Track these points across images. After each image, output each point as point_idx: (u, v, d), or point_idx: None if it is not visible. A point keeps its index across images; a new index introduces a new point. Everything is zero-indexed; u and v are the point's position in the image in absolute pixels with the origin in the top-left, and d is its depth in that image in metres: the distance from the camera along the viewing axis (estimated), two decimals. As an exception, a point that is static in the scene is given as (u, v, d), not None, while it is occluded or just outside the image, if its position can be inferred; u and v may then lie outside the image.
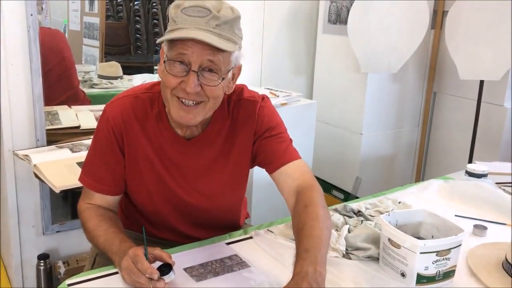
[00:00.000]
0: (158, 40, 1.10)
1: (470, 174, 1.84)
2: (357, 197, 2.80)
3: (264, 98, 1.30)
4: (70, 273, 2.18)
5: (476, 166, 1.84)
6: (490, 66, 2.31)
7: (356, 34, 2.48)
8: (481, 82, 2.46)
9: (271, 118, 1.28)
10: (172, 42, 1.09)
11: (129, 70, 3.21)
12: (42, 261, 2.21)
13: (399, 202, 1.58)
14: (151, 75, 3.29)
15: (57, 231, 2.30)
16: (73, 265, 2.24)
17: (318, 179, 2.98)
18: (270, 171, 1.28)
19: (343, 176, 2.91)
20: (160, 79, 1.16)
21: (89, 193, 1.27)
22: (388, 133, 2.95)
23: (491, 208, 1.60)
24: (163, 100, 1.18)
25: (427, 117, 3.04)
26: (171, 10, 1.10)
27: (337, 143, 2.92)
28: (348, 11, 2.70)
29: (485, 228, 1.45)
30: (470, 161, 2.56)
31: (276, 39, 2.93)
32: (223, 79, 1.11)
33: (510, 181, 1.88)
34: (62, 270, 2.20)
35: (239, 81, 1.25)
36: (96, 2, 3.17)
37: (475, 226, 1.45)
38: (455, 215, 1.55)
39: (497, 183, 1.80)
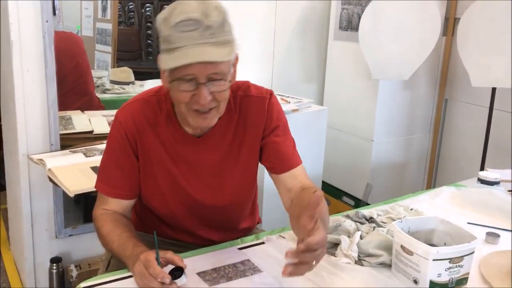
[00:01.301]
0: (163, 67, 1.10)
1: (483, 181, 1.83)
2: (368, 204, 2.80)
3: (271, 93, 1.33)
4: (82, 277, 2.20)
5: (488, 174, 1.83)
6: (503, 73, 2.30)
7: (367, 41, 2.49)
8: (493, 89, 2.46)
9: (279, 115, 1.32)
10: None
11: (140, 75, 3.25)
12: (54, 265, 2.23)
13: (411, 209, 1.58)
14: (162, 80, 3.33)
15: (70, 235, 2.33)
16: (85, 268, 2.26)
17: (329, 185, 3.01)
18: (278, 172, 1.31)
19: (354, 182, 2.90)
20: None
21: (104, 199, 1.29)
22: (399, 140, 2.95)
23: (504, 216, 1.59)
24: (176, 110, 1.22)
25: (439, 124, 3.03)
26: (162, 27, 1.09)
27: (348, 150, 2.92)
28: (360, 17, 2.71)
29: (498, 235, 1.44)
30: (482, 168, 2.55)
31: (287, 46, 2.95)
32: (230, 82, 1.15)
33: (522, 188, 1.87)
34: (74, 273, 2.22)
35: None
36: (108, 9, 3.21)
37: (488, 233, 1.45)
38: (468, 223, 1.54)
39: (509, 191, 1.79)
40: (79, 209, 2.64)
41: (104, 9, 3.24)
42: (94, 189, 1.40)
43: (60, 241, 2.31)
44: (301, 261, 0.96)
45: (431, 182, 3.11)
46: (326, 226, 1.06)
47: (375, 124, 2.76)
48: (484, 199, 1.68)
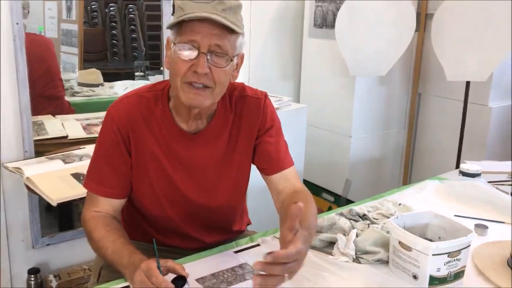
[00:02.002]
0: (168, 25, 1.13)
1: (464, 174, 1.88)
2: (347, 199, 2.82)
3: (266, 95, 1.33)
4: (62, 287, 2.13)
5: (470, 166, 1.88)
6: (476, 68, 2.36)
7: (344, 38, 2.50)
8: (467, 83, 2.51)
9: (274, 116, 1.33)
10: (180, 28, 1.11)
11: (107, 76, 3.17)
12: (32, 276, 2.15)
13: (399, 204, 1.59)
14: (132, 81, 3.26)
15: (47, 244, 2.25)
16: (65, 278, 2.19)
17: (308, 182, 3.02)
18: (270, 172, 1.30)
19: (333, 178, 2.92)
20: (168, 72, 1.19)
21: (94, 199, 1.25)
22: (376, 135, 2.98)
23: (489, 207, 1.62)
24: (171, 90, 1.22)
25: (413, 119, 3.08)
26: (177, 0, 1.12)
27: (326, 146, 2.94)
28: (334, 15, 2.72)
29: (486, 227, 1.47)
30: (458, 161, 2.61)
31: (263, 45, 2.94)
32: (231, 61, 1.14)
33: (502, 179, 1.92)
34: (54, 284, 2.15)
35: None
36: (73, 9, 3.12)
37: (476, 225, 1.47)
38: (455, 215, 1.56)
39: (489, 182, 1.84)
40: (51, 216, 2.55)
41: (69, 10, 3.14)
42: (77, 197, 1.35)
43: (37, 251, 2.23)
44: (270, 273, 0.92)
45: (407, 175, 3.17)
46: (311, 235, 1.06)
47: (352, 120, 2.79)
48: (468, 191, 1.72)
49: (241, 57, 1.23)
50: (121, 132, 1.22)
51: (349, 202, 2.76)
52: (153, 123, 1.23)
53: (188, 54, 1.11)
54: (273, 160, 1.30)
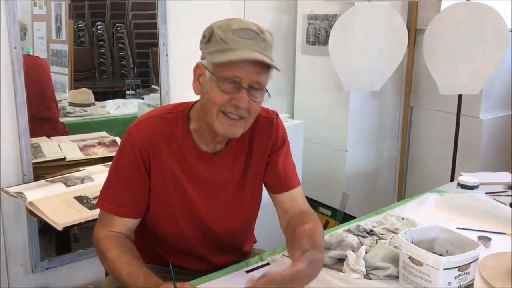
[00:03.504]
0: (217, 61, 1.12)
1: (463, 186, 1.90)
2: (345, 213, 2.84)
3: (277, 114, 1.37)
4: (63, 311, 2.11)
5: (468, 178, 1.91)
6: (469, 81, 2.41)
7: (337, 55, 2.55)
8: (460, 96, 2.57)
9: (284, 136, 1.37)
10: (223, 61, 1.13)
11: (96, 95, 3.16)
12: (32, 301, 2.12)
13: (402, 218, 1.62)
14: (123, 100, 3.26)
15: (47, 268, 2.22)
16: (65, 302, 2.17)
17: (306, 197, 3.02)
18: (277, 191, 1.33)
19: (329, 192, 2.94)
20: (201, 98, 1.22)
21: (109, 219, 1.24)
22: (371, 149, 3.02)
23: (490, 219, 1.65)
24: (202, 115, 1.22)
25: (406, 131, 3.13)
26: (217, 31, 1.13)
27: (322, 161, 2.96)
28: (327, 32, 2.77)
29: (489, 239, 1.50)
30: (453, 172, 2.65)
31: (256, 61, 2.97)
32: (269, 96, 1.19)
33: (499, 190, 1.96)
34: (55, 308, 2.12)
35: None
36: (63, 29, 3.12)
37: (479, 237, 1.50)
38: (457, 228, 1.59)
39: (487, 193, 1.87)
40: (46, 239, 2.53)
41: (58, 30, 3.14)
42: (83, 221, 1.34)
43: (36, 275, 2.20)
44: None
45: (402, 187, 3.20)
46: (316, 254, 1.08)
47: (347, 134, 2.82)
48: (468, 203, 1.75)
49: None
50: (141, 153, 1.22)
51: (346, 216, 2.77)
52: (173, 143, 1.25)
53: (230, 87, 1.14)
54: (281, 179, 1.33)
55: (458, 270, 1.15)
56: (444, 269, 1.13)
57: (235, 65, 1.11)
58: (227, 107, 1.15)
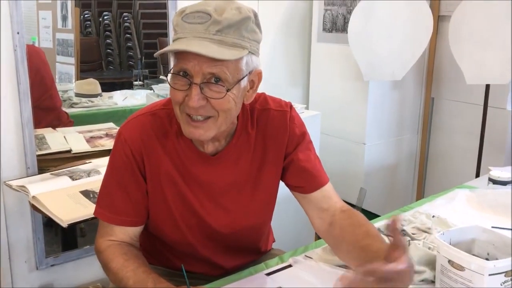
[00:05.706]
0: (156, 54, 1.00)
1: (495, 181, 1.77)
2: (363, 209, 2.72)
3: (291, 106, 1.22)
4: (68, 310, 2.02)
5: (501, 173, 1.77)
6: (497, 70, 2.27)
7: (357, 42, 2.41)
8: (487, 86, 2.43)
9: (302, 129, 1.21)
10: (175, 54, 1.00)
11: (103, 86, 3.08)
12: (37, 299, 2.03)
13: (433, 216, 1.50)
14: (131, 91, 3.18)
15: (52, 265, 2.14)
16: (71, 300, 2.08)
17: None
18: (308, 190, 1.19)
19: (347, 187, 2.82)
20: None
21: (108, 228, 1.14)
22: (390, 142, 2.89)
23: (527, 217, 1.53)
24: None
25: (427, 123, 3.00)
26: (174, 18, 1.01)
27: (339, 155, 2.84)
28: (345, 18, 2.64)
29: (530, 239, 1.37)
30: (478, 167, 2.51)
31: (270, 49, 2.84)
32: (228, 90, 0.99)
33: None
34: (60, 306, 2.03)
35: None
36: (69, 18, 3.03)
37: (519, 237, 1.37)
38: (492, 227, 1.46)
39: (519, 190, 1.74)
40: (51, 234, 2.44)
41: (64, 19, 3.05)
42: (89, 217, 1.23)
43: (41, 272, 2.12)
44: None
45: (422, 183, 3.07)
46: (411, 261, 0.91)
47: (366, 126, 2.69)
48: (503, 200, 1.62)
49: (258, 74, 1.09)
50: (134, 155, 1.10)
51: (364, 211, 2.65)
52: (169, 143, 1.12)
53: (182, 84, 0.99)
54: (310, 177, 1.18)
55: (505, 276, 1.03)
56: (489, 275, 1.01)
57: (183, 56, 0.97)
58: (185, 107, 1.00)
